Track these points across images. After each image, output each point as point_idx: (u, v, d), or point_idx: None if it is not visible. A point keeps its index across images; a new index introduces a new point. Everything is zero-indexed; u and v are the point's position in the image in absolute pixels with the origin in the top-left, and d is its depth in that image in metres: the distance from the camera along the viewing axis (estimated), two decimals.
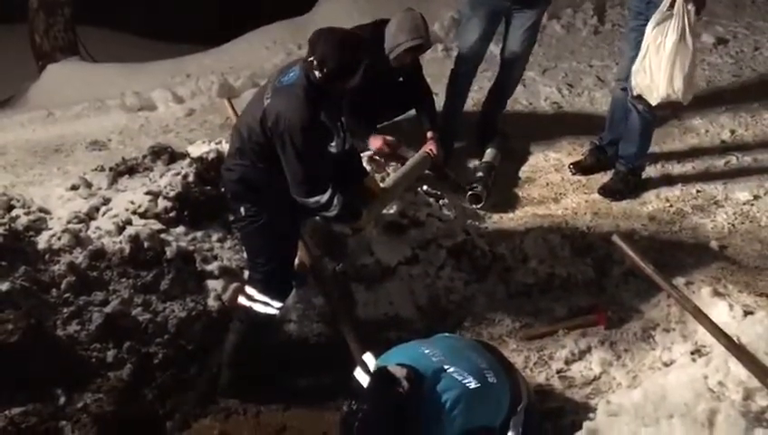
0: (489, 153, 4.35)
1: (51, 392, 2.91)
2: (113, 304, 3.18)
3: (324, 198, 2.87)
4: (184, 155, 3.92)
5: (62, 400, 2.91)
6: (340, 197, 2.92)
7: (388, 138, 4.07)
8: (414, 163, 3.86)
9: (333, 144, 2.89)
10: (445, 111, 4.48)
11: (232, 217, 3.45)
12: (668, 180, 4.22)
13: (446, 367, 2.50)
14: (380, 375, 2.47)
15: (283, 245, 3.06)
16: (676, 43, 3.46)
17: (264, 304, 3.04)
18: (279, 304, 3.08)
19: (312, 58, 2.70)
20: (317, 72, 2.70)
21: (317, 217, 3.29)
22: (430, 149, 4.01)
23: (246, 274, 3.23)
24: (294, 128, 2.71)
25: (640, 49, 3.58)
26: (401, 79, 4.22)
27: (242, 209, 2.96)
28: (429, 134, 4.11)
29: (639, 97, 3.71)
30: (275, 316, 3.12)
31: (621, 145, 4.08)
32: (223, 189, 3.34)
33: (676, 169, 4.32)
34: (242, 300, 3.08)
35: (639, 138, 3.96)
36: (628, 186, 4.10)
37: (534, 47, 4.49)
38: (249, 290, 3.06)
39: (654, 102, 3.66)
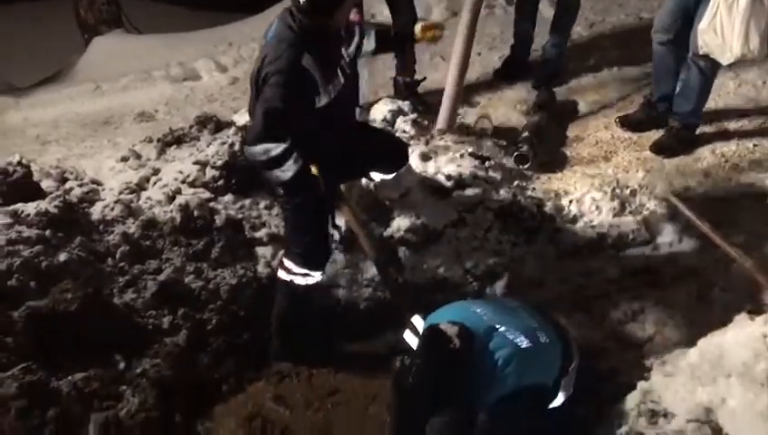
0: (535, 113, 4.26)
1: (110, 358, 2.99)
2: (166, 272, 3.24)
3: (278, 150, 2.57)
4: (229, 124, 3.95)
5: (122, 365, 2.99)
6: (299, 159, 2.63)
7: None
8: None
9: (321, 95, 2.69)
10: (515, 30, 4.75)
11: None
12: (724, 135, 4.07)
13: (497, 326, 2.49)
14: (432, 333, 2.45)
15: (319, 218, 3.03)
16: (751, 2, 3.36)
17: (303, 276, 3.04)
18: (319, 273, 3.08)
19: None
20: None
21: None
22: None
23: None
24: (270, 73, 2.62)
25: (707, 8, 3.47)
26: None
27: (279, 189, 2.95)
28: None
29: (703, 55, 3.59)
30: (318, 284, 3.13)
31: (676, 101, 3.94)
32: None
33: (731, 123, 4.16)
34: (281, 274, 3.08)
35: (698, 95, 3.83)
36: (681, 142, 3.97)
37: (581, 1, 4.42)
38: (287, 263, 3.05)
39: (726, 62, 3.59)
